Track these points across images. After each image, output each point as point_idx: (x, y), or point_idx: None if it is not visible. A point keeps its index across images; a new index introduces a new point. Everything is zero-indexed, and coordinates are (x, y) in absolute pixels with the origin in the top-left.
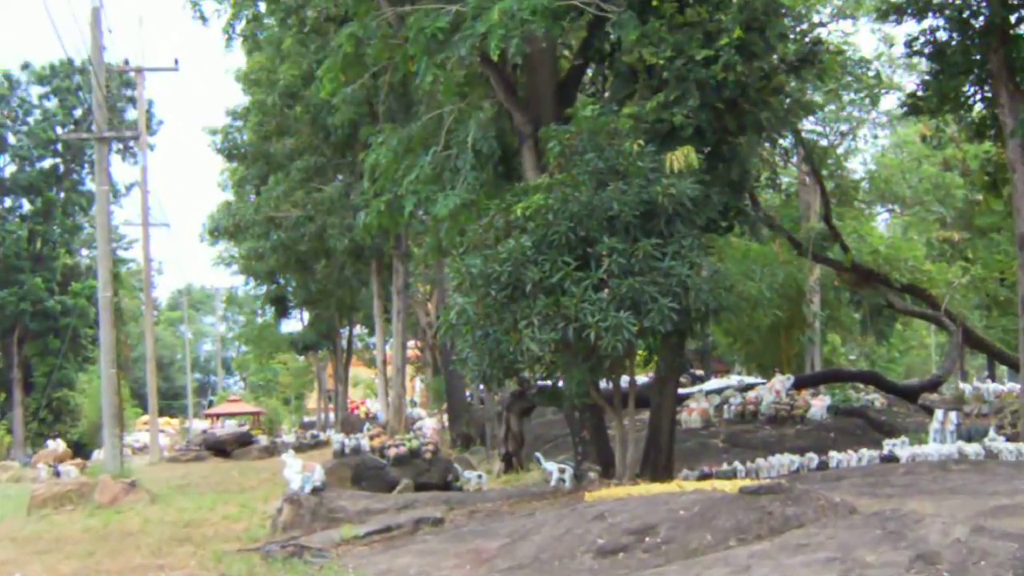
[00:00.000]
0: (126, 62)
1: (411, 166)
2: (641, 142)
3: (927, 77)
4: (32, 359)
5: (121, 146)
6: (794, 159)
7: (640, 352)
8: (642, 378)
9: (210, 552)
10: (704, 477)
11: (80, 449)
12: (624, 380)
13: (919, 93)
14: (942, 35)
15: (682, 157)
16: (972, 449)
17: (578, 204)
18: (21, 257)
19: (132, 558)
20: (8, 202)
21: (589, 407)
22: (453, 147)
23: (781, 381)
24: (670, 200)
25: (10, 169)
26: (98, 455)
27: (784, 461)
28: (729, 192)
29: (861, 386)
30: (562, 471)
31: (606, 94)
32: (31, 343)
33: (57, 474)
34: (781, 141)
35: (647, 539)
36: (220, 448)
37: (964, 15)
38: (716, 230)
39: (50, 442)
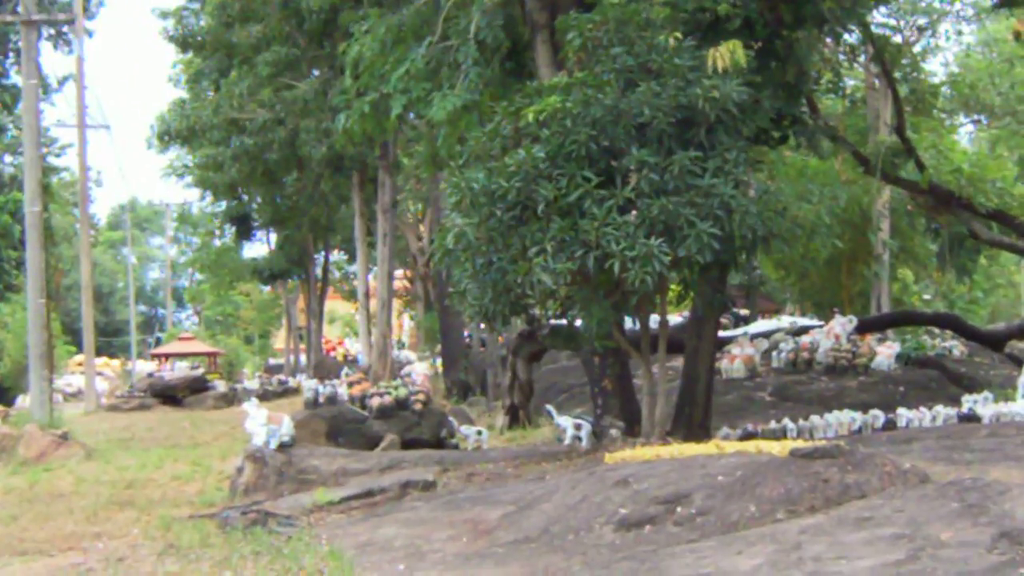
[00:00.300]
0: None
1: (401, 59)
2: (679, 35)
3: None
4: None
5: (53, 31)
6: (861, 58)
7: (673, 287)
8: (675, 318)
9: (156, 518)
10: (748, 436)
11: (2, 394)
12: (654, 320)
13: None
14: None
15: (727, 54)
16: None
17: (602, 108)
18: None
19: (63, 524)
20: None
21: (611, 352)
22: (452, 38)
23: (842, 324)
24: (712, 105)
25: None
26: (22, 401)
27: (844, 419)
28: (783, 96)
29: (937, 331)
30: (578, 427)
31: None
32: None
33: None
34: (846, 36)
35: (679, 509)
36: (169, 395)
37: None
38: (767, 142)
39: None
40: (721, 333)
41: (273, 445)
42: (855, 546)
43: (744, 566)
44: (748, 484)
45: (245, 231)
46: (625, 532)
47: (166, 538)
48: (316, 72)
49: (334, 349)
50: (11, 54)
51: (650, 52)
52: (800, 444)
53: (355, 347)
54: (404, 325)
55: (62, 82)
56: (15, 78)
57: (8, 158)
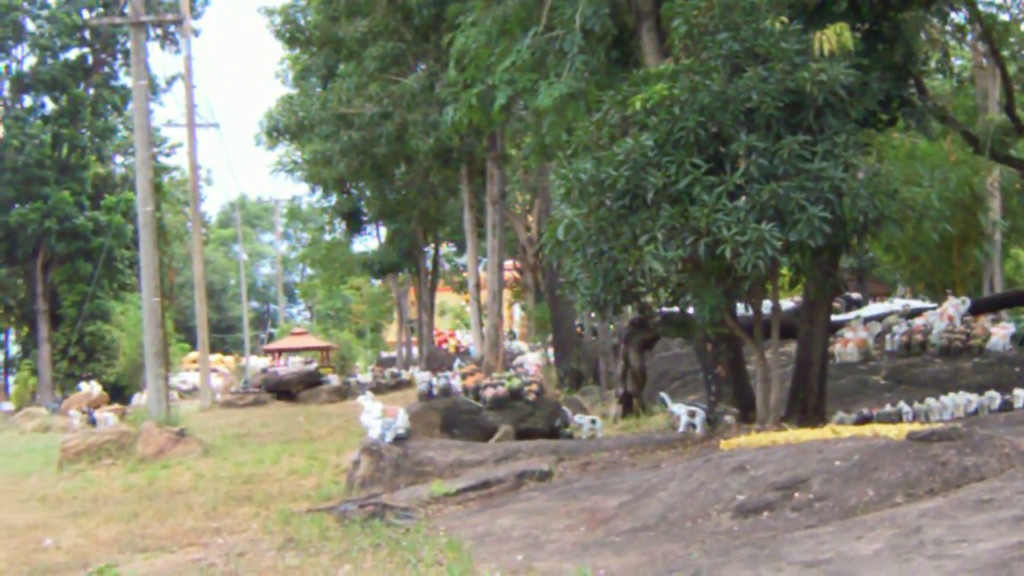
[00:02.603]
0: None
1: (507, 51)
2: (785, 19)
3: None
4: (60, 287)
5: (160, 32)
6: (969, 37)
7: (785, 272)
8: (787, 303)
9: (275, 513)
10: (863, 421)
11: (118, 392)
12: (766, 305)
13: None
14: None
15: (834, 36)
16: None
17: (709, 94)
18: (45, 166)
19: (183, 520)
20: (28, 101)
21: (724, 338)
22: (557, 28)
23: (955, 305)
24: (820, 88)
25: (30, 61)
26: (139, 399)
27: (960, 401)
28: (891, 78)
29: None
30: (692, 415)
31: None
32: (58, 268)
33: (92, 422)
34: (953, 15)
35: (796, 495)
36: (283, 390)
37: None
38: (875, 124)
39: (83, 385)
40: (834, 317)
41: (389, 438)
42: (976, 529)
43: (864, 551)
44: (865, 468)
45: (355, 225)
46: (743, 519)
47: (285, 532)
48: (422, 66)
49: (446, 341)
50: (119, 56)
51: (756, 37)
52: (917, 427)
53: (467, 339)
54: (515, 315)
55: (170, 82)
56: (124, 79)
57: (119, 159)
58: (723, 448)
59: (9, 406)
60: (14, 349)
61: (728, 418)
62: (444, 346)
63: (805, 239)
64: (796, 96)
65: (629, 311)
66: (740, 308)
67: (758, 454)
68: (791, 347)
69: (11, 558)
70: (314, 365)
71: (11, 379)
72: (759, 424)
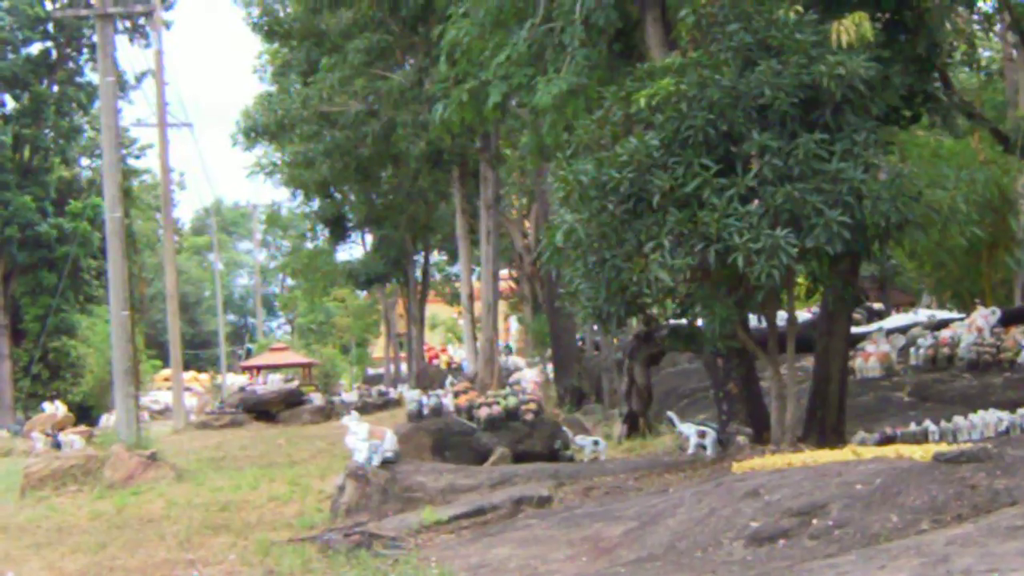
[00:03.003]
0: None
1: (501, 44)
2: (800, 8)
3: None
4: (22, 299)
5: (129, 24)
6: (997, 27)
7: (801, 281)
8: (804, 314)
9: (254, 542)
10: (886, 441)
11: (85, 413)
12: (781, 317)
13: None
14: None
15: (853, 27)
16: None
17: (719, 90)
18: (5, 169)
19: (155, 551)
20: None
21: (736, 352)
22: (556, 19)
23: (984, 316)
24: (838, 83)
25: None
26: (107, 420)
27: (990, 419)
28: (914, 72)
29: None
30: (702, 435)
31: None
32: (20, 279)
33: (57, 445)
34: (981, 4)
35: (814, 521)
36: (262, 410)
37: None
38: (897, 121)
39: (47, 405)
40: (854, 329)
41: (376, 462)
42: (1008, 557)
43: None
44: (889, 493)
45: (339, 232)
46: (757, 547)
47: (265, 564)
48: (411, 60)
49: (437, 357)
50: (85, 50)
51: (769, 28)
52: (944, 448)
53: (459, 354)
54: (511, 329)
55: (140, 78)
56: (91, 76)
57: (85, 161)
58: (735, 471)
59: None
60: None
61: (741, 439)
62: (435, 362)
63: (822, 245)
64: (812, 91)
65: (634, 324)
66: (753, 320)
67: (773, 477)
68: (808, 362)
69: None
70: (295, 383)
71: None
72: (774, 445)
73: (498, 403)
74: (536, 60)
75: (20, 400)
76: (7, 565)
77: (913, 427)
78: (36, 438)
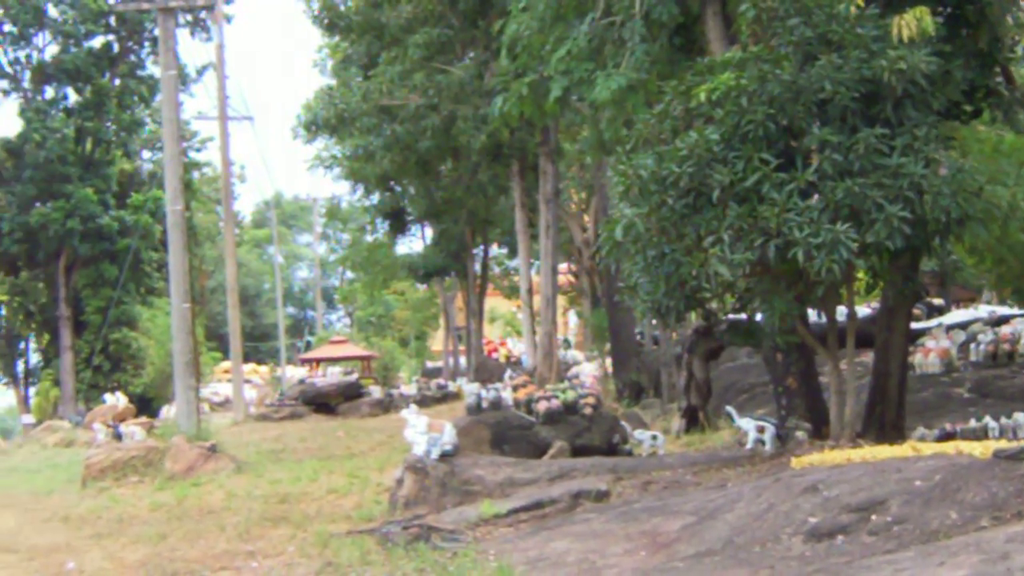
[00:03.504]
0: None
1: (561, 38)
2: (861, 2)
3: None
4: (84, 291)
5: (190, 18)
6: None
7: (861, 276)
8: (864, 309)
9: (312, 534)
10: (946, 437)
11: (145, 405)
12: (840, 312)
13: None
14: None
15: (914, 21)
16: None
17: (779, 85)
18: (67, 162)
19: (214, 542)
20: (50, 92)
21: (795, 347)
22: (617, 13)
23: None
24: (899, 78)
25: (51, 50)
26: (168, 412)
27: None
28: (975, 66)
29: None
30: (761, 430)
31: None
32: (82, 271)
33: (118, 436)
34: None
35: (873, 518)
36: (322, 402)
37: None
38: (958, 116)
39: (108, 396)
40: (914, 325)
41: (435, 455)
42: None
43: None
44: (948, 489)
45: (399, 226)
46: (815, 542)
47: (324, 556)
48: (471, 54)
49: (496, 350)
50: (147, 44)
51: (830, 22)
52: (1004, 444)
53: (518, 348)
54: (570, 323)
55: (201, 72)
56: (152, 69)
57: (147, 154)
58: (794, 466)
59: (30, 419)
60: (35, 358)
61: (799, 434)
62: (494, 356)
63: (883, 240)
64: (873, 86)
65: (693, 318)
66: (812, 315)
67: (832, 473)
68: (867, 357)
69: None
70: (354, 376)
71: (32, 390)
72: (833, 440)
73: (557, 397)
74: (596, 55)
75: (81, 391)
76: (68, 555)
77: (973, 423)
78: (97, 429)
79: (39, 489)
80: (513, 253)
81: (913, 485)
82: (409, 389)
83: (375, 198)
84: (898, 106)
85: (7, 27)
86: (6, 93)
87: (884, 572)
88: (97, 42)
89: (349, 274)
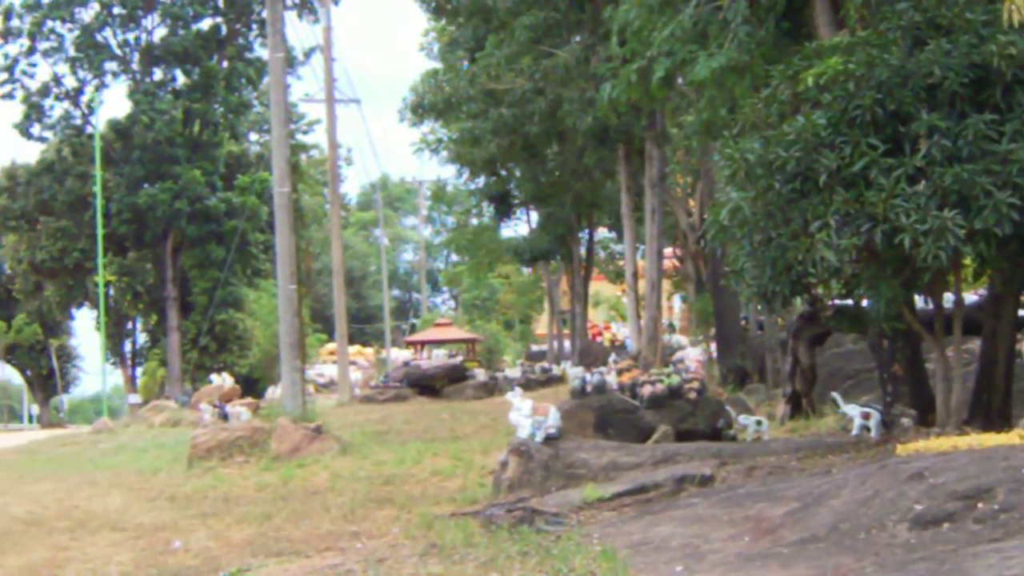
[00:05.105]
0: None
1: (668, 22)
2: None
3: None
4: (190, 272)
5: (298, 0)
6: None
7: (968, 262)
8: (971, 296)
9: (417, 516)
10: None
11: (251, 385)
12: (948, 299)
13: None
14: None
15: None
16: None
17: (887, 69)
18: (175, 144)
19: (319, 523)
20: (158, 74)
21: (901, 334)
22: None
23: None
24: (1009, 63)
25: (160, 32)
26: (273, 393)
27: None
28: None
29: None
30: (866, 416)
31: None
32: (189, 252)
33: (224, 417)
34: None
35: (980, 505)
36: (426, 385)
37: None
38: None
39: (214, 377)
40: (1022, 312)
41: (539, 438)
42: None
43: None
44: None
45: (504, 209)
46: (921, 530)
47: (428, 537)
48: (577, 38)
49: (600, 334)
50: (255, 26)
51: (939, 6)
52: None
53: (623, 332)
54: (674, 307)
55: (308, 54)
56: (260, 51)
57: (254, 136)
58: (899, 453)
59: (137, 398)
60: (142, 338)
61: (905, 421)
62: (598, 339)
63: (991, 227)
64: (982, 71)
65: (798, 304)
66: (919, 301)
67: (938, 460)
68: (974, 344)
69: (138, 560)
70: (459, 359)
71: (139, 370)
72: (939, 427)
73: (661, 381)
74: (700, 37)
75: (188, 371)
76: (175, 534)
77: None
78: (204, 409)
79: (146, 468)
80: (618, 237)
81: (1020, 473)
82: (513, 372)
83: (481, 181)
84: (1008, 92)
85: (117, 9)
86: (115, 75)
87: (990, 560)
88: (205, 24)
89: (454, 257)
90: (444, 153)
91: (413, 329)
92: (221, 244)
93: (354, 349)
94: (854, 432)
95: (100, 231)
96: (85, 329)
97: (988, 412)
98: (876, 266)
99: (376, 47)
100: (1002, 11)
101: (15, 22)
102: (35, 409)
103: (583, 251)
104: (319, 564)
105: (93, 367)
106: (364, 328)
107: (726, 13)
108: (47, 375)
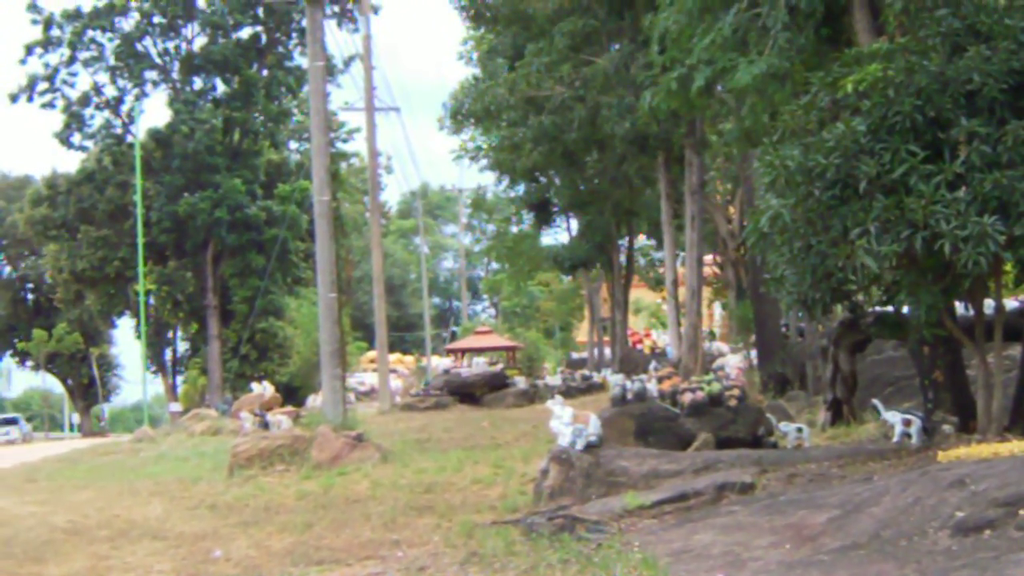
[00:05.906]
0: None
1: (708, 30)
2: None
3: None
4: (231, 281)
5: (338, 9)
6: None
7: (1009, 268)
8: (1012, 303)
9: (457, 524)
10: None
11: (292, 394)
12: (988, 305)
13: None
14: None
15: None
16: None
17: (927, 76)
18: (215, 152)
19: (360, 531)
20: (198, 82)
21: (942, 340)
22: (762, 4)
23: None
24: None
25: (200, 41)
26: (314, 401)
27: None
28: None
29: None
30: (907, 423)
31: None
32: (229, 261)
33: (264, 425)
34: None
35: (1021, 512)
36: (466, 393)
37: None
38: None
39: (255, 385)
40: None
41: (580, 446)
42: None
43: None
44: None
45: (544, 217)
46: (962, 537)
47: (468, 546)
48: (616, 45)
49: (640, 341)
50: (295, 35)
51: (978, 13)
52: None
53: (663, 339)
54: (715, 314)
55: (348, 63)
56: (299, 60)
57: (294, 144)
58: (941, 460)
59: (178, 407)
60: (183, 347)
61: (946, 427)
62: (639, 347)
63: None
64: (1021, 77)
65: (839, 310)
66: (959, 308)
67: (979, 467)
68: (1015, 351)
69: (179, 569)
70: (499, 366)
71: (180, 378)
72: (980, 434)
73: (702, 389)
74: (740, 45)
75: (229, 380)
76: (215, 543)
77: None
78: (244, 418)
79: (187, 476)
80: (658, 244)
81: None
82: (554, 380)
83: (520, 189)
84: None
85: (157, 18)
86: (155, 84)
87: None
88: (245, 33)
89: (494, 265)
90: (484, 161)
91: (454, 337)
92: (261, 252)
93: (394, 357)
94: (895, 439)
95: (141, 240)
96: (126, 338)
97: None
98: (916, 272)
99: (415, 55)
100: None
101: (55, 31)
102: (76, 418)
103: (623, 258)
104: (360, 572)
105: (134, 376)
106: (404, 336)
107: (766, 20)
108: (88, 384)
